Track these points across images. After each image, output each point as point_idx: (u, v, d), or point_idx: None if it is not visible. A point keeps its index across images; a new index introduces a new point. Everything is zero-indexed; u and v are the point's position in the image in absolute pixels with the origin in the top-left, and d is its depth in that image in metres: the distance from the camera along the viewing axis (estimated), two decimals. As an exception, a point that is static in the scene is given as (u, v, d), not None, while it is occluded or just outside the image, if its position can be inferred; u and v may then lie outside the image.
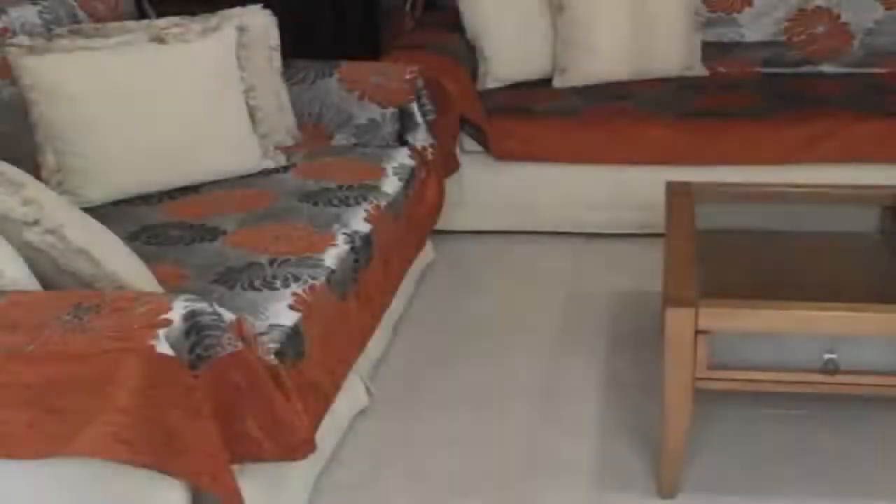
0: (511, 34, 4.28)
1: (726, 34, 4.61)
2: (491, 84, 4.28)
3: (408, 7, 4.58)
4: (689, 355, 2.51)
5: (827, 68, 4.52)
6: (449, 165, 3.76)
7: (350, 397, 2.82)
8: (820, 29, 4.56)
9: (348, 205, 2.99)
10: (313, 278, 2.54)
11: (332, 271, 2.62)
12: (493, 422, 2.92)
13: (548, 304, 3.56)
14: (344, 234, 2.80)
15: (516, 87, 4.29)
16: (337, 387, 2.55)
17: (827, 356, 2.51)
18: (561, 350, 3.28)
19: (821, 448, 2.77)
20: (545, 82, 4.32)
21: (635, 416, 2.90)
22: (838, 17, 4.55)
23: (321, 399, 2.43)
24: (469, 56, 4.24)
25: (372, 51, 4.39)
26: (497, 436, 2.86)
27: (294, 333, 2.34)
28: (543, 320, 3.46)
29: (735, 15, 4.60)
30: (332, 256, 2.68)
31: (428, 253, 3.73)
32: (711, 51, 4.53)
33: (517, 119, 4.01)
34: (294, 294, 2.45)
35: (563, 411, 2.96)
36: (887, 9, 4.50)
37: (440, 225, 3.72)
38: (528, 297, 3.64)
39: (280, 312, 2.37)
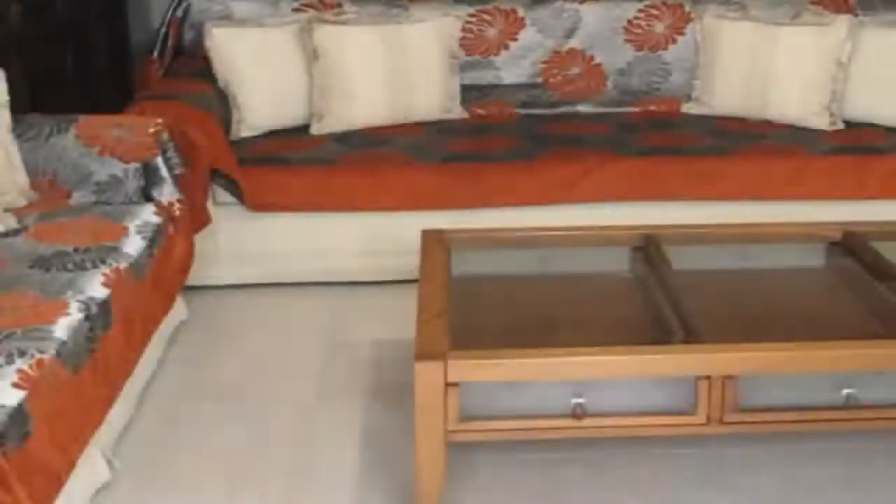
0: (264, 81, 4.19)
1: (484, 77, 4.65)
2: (245, 132, 4.15)
3: (156, 54, 4.41)
4: (439, 408, 2.48)
5: (583, 108, 4.60)
6: (199, 220, 3.61)
7: (89, 473, 2.64)
8: (575, 70, 4.66)
9: (84, 269, 2.82)
10: (41, 352, 2.37)
11: (63, 343, 2.46)
12: (246, 493, 2.79)
13: (307, 359, 3.46)
14: (78, 301, 2.64)
15: (273, 134, 4.19)
16: (71, 465, 2.40)
17: (575, 401, 2.51)
18: (318, 407, 3.18)
19: (578, 489, 2.76)
20: (303, 129, 4.24)
21: (393, 469, 2.83)
22: (591, 58, 4.66)
23: (51, 481, 2.28)
24: (222, 104, 4.11)
25: (125, 101, 4.21)
26: (251, 504, 2.75)
27: (17, 413, 2.18)
28: (301, 377, 3.36)
29: (492, 58, 4.65)
30: (63, 327, 2.51)
31: (180, 312, 3.57)
32: (470, 94, 4.55)
33: (271, 168, 3.90)
34: (19, 371, 2.29)
35: (320, 470, 2.87)
36: (637, 50, 4.64)
37: (196, 281, 3.60)
38: (286, 354, 3.53)
39: (2, 392, 2.20)
